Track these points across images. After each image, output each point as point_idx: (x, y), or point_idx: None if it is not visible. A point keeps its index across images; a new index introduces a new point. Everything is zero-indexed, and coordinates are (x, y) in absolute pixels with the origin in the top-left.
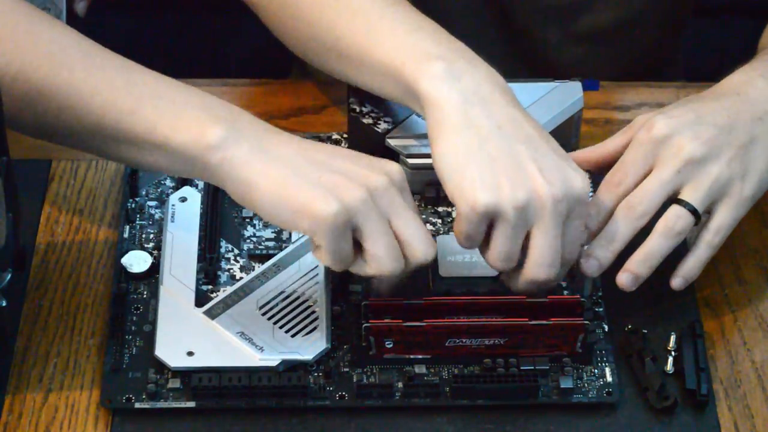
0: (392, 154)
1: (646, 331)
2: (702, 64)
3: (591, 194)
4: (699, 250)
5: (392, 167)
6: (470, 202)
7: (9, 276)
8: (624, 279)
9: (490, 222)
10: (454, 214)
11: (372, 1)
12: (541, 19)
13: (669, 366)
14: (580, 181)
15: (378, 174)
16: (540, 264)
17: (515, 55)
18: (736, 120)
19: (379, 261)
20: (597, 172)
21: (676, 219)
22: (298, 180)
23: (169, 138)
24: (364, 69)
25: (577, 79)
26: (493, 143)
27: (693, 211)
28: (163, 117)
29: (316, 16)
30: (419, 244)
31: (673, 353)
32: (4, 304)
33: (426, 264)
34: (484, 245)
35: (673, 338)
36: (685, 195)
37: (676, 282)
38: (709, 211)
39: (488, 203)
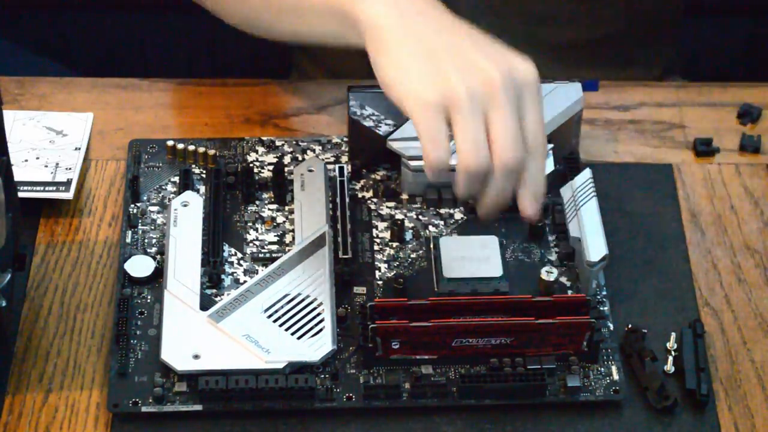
0: (393, 157)
1: (646, 330)
2: (702, 64)
3: None
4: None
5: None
6: (421, 98)
7: (9, 276)
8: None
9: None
10: (456, 216)
11: None
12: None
13: (669, 366)
14: (526, 65)
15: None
16: (505, 146)
17: None
18: None
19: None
20: None
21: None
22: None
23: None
24: (301, 14)
25: (577, 80)
26: (434, 43)
27: None
28: None
29: None
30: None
31: (673, 353)
32: (4, 304)
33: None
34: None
35: (673, 338)
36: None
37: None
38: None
39: (438, 94)
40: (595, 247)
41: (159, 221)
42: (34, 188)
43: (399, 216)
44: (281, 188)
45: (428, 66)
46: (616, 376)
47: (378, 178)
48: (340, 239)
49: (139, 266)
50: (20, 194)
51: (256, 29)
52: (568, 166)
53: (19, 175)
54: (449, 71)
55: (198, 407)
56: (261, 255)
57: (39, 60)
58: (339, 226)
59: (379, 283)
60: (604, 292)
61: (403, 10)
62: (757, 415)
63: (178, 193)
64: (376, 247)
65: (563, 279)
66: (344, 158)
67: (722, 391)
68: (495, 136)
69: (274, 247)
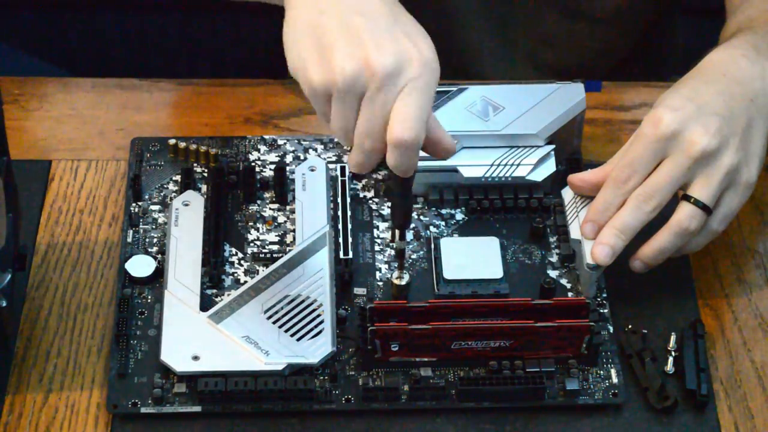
0: None
1: (646, 331)
2: None
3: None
4: (701, 237)
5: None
6: (306, 81)
7: (9, 276)
8: (636, 266)
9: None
10: (457, 217)
11: None
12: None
13: (669, 366)
14: (418, 53)
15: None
16: (362, 133)
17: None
18: (732, 105)
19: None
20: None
21: (689, 219)
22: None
23: None
24: None
25: (580, 81)
26: (328, 16)
27: (704, 207)
28: None
29: None
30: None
31: (673, 353)
32: (4, 304)
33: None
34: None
35: (673, 338)
36: (696, 191)
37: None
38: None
39: (319, 81)
40: None
41: (160, 220)
42: None
43: None
44: (282, 188)
45: (314, 47)
46: (615, 380)
47: (379, 177)
48: (340, 239)
49: (140, 266)
50: None
51: None
52: (570, 166)
53: None
54: (333, 55)
55: (197, 408)
56: (262, 255)
57: (39, 60)
58: (340, 226)
59: (380, 284)
60: (605, 295)
61: None
62: (758, 415)
63: (180, 192)
64: (376, 248)
65: (564, 281)
66: (346, 158)
67: (722, 392)
68: (357, 125)
69: (275, 247)
